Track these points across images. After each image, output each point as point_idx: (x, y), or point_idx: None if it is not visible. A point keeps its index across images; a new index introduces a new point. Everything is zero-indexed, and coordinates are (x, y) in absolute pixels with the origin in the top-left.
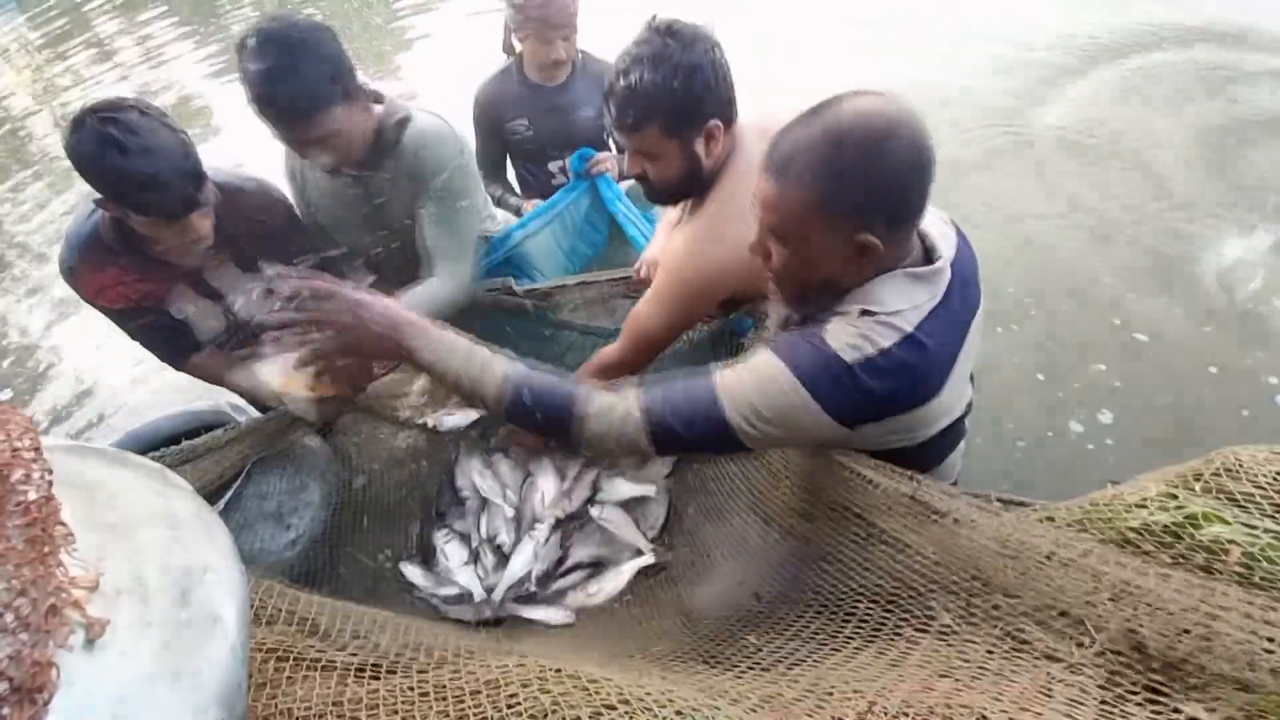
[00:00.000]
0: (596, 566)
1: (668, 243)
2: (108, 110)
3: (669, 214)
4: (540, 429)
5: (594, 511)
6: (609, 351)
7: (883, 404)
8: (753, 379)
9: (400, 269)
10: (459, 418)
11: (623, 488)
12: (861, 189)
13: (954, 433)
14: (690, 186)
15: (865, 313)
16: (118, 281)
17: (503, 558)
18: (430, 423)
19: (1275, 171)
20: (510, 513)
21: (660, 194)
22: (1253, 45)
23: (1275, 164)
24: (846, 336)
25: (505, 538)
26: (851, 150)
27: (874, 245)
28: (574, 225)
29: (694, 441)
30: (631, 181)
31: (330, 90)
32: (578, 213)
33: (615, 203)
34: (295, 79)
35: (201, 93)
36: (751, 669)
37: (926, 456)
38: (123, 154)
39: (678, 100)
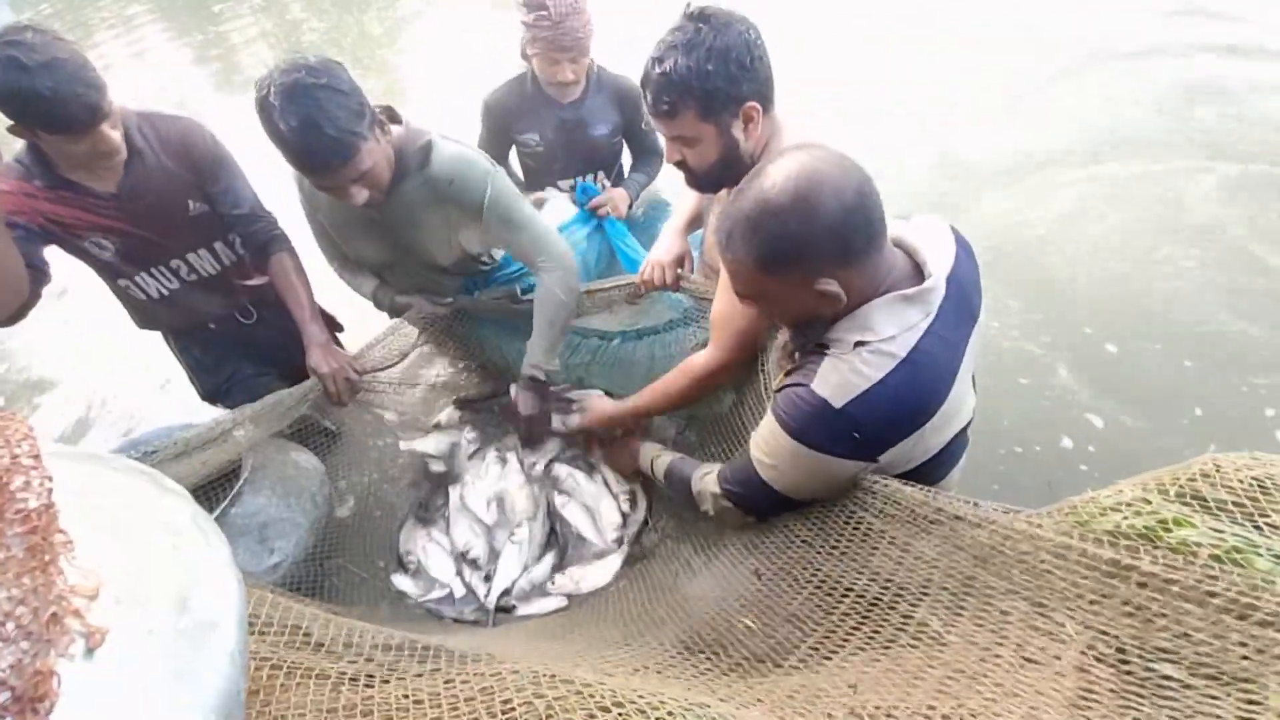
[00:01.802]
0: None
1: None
2: (5, 35)
3: (675, 219)
4: (677, 493)
5: (557, 501)
6: (702, 361)
7: (887, 432)
8: (771, 447)
9: (408, 275)
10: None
11: (585, 489)
12: (796, 247)
13: (957, 444)
14: (730, 171)
15: (859, 343)
16: (22, 192)
17: (478, 568)
18: (444, 420)
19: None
20: (490, 517)
21: (701, 181)
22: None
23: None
24: (837, 377)
25: (479, 551)
26: (778, 212)
27: (833, 293)
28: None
29: (757, 500)
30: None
31: (358, 129)
32: (584, 247)
33: (622, 240)
34: (327, 128)
35: (196, 93)
36: (747, 658)
37: (932, 472)
38: (26, 72)
39: (712, 83)
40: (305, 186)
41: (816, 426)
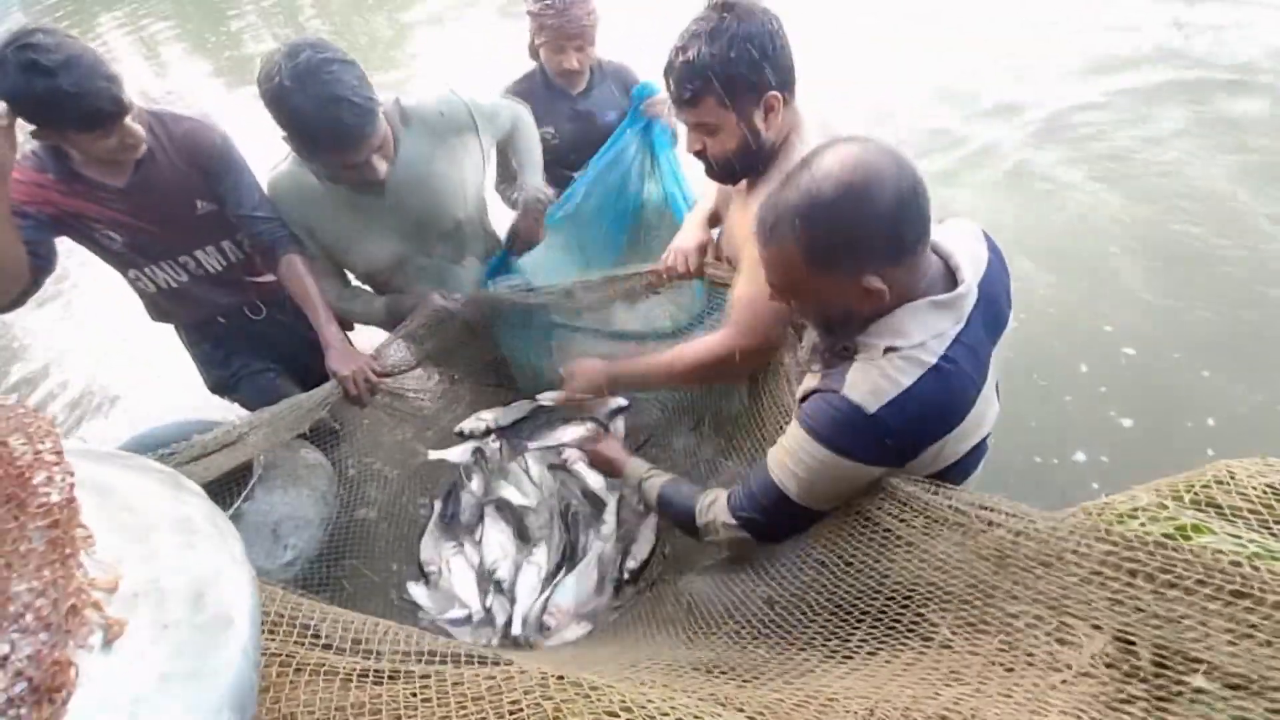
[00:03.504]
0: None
1: (742, 222)
2: (19, 40)
3: (697, 209)
4: (675, 521)
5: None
6: (718, 339)
7: (915, 438)
8: (794, 455)
9: (422, 265)
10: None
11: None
12: (846, 243)
13: (978, 451)
14: (749, 161)
15: (890, 349)
16: (35, 183)
17: (501, 591)
18: (469, 429)
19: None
20: (510, 541)
21: (719, 171)
22: None
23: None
24: (867, 383)
25: (505, 572)
26: (830, 206)
27: (878, 290)
28: (606, 206)
29: (775, 521)
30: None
31: (372, 97)
32: (621, 167)
33: (665, 151)
34: (348, 99)
35: (205, 94)
36: (757, 677)
37: (952, 477)
38: (49, 74)
39: (734, 70)
40: (298, 208)
41: (848, 433)
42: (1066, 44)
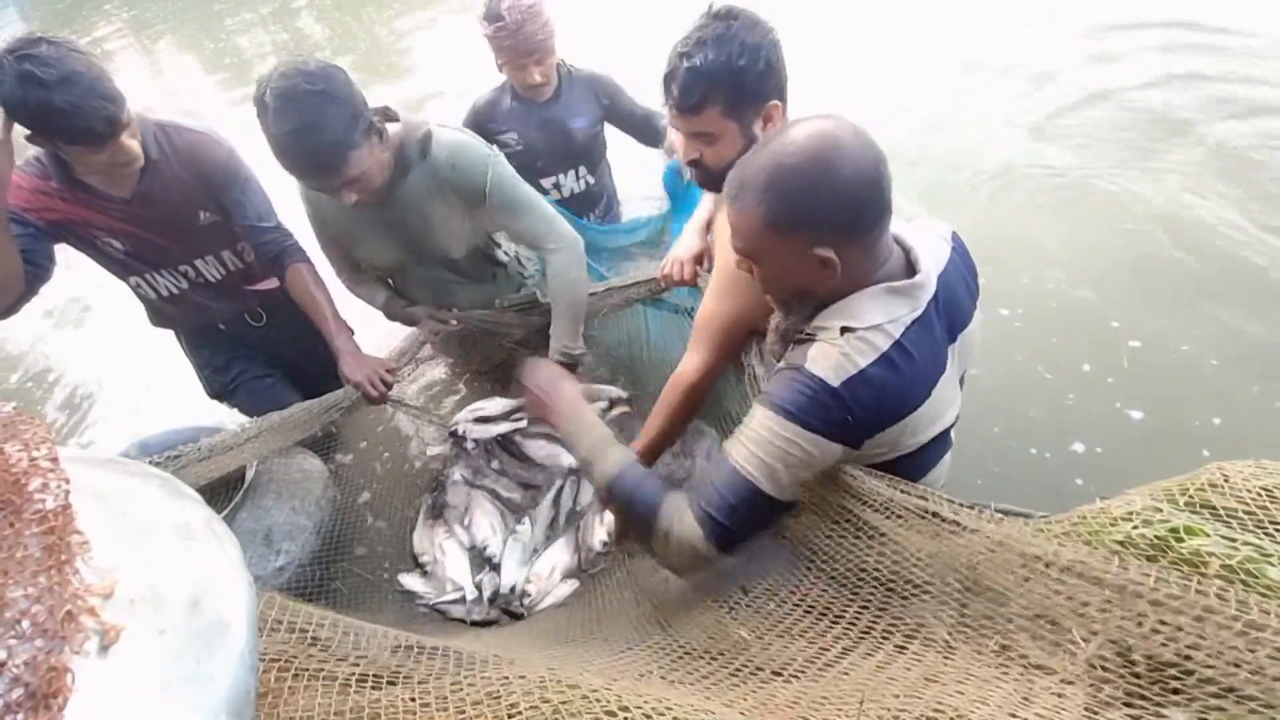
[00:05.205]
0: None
1: (718, 235)
2: (21, 48)
3: (695, 218)
4: (630, 519)
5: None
6: (689, 368)
7: (875, 417)
8: (759, 437)
9: (420, 278)
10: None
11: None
12: (806, 207)
13: (940, 444)
14: None
15: (845, 329)
16: (38, 190)
17: (493, 567)
18: (461, 430)
19: None
20: (498, 519)
21: (714, 179)
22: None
23: None
24: (829, 360)
25: (495, 549)
26: (794, 171)
27: (831, 260)
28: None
29: (741, 521)
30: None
31: (351, 137)
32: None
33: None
34: (320, 135)
35: (206, 101)
36: (744, 666)
37: (913, 468)
38: (43, 88)
39: (742, 79)
40: (311, 198)
41: (815, 406)
42: (1070, 29)
